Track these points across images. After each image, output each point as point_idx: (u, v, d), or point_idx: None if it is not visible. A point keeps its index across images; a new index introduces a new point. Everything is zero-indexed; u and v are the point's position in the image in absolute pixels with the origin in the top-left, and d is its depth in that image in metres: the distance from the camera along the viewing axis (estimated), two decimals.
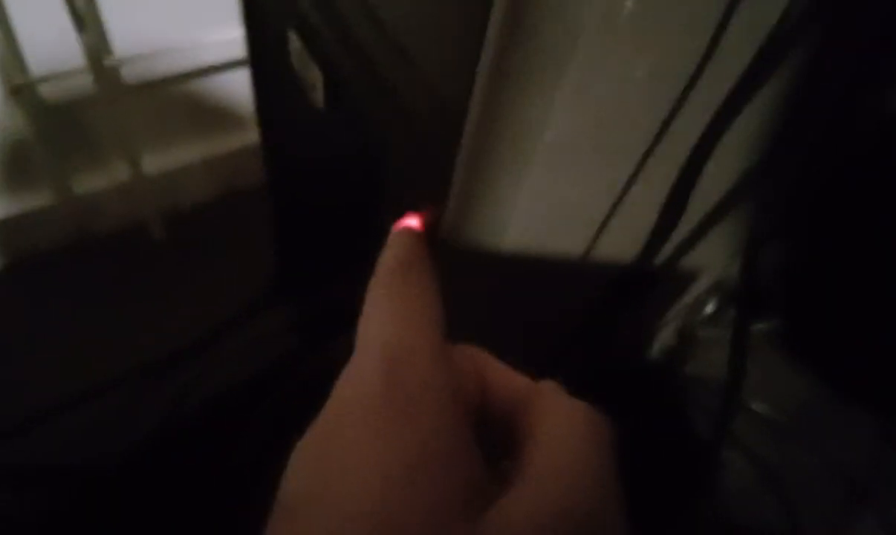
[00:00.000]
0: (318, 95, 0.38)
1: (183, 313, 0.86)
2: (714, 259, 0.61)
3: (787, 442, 0.73)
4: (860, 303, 0.69)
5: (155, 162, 0.87)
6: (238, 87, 0.87)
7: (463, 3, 0.22)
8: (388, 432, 0.17)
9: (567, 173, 0.28)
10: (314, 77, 0.38)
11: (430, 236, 0.29)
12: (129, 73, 0.75)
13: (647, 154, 0.31)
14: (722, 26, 0.24)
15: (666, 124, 0.29)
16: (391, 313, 0.21)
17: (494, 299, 0.37)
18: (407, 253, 0.25)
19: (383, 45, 0.30)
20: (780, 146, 0.41)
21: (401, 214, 0.33)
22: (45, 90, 0.71)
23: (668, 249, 0.47)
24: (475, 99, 0.22)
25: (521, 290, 0.38)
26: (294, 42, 0.39)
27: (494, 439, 0.20)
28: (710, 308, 0.69)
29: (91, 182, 0.84)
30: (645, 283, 0.50)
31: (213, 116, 0.89)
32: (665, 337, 0.81)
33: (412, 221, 0.30)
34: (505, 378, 0.21)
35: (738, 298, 0.46)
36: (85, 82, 0.70)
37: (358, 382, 0.19)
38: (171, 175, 0.89)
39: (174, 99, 0.83)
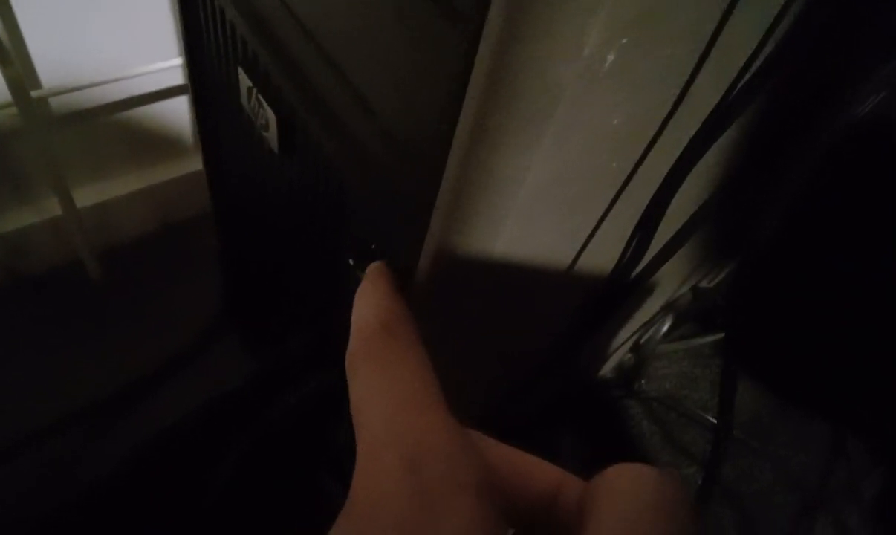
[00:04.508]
0: (272, 137, 0.37)
1: (125, 353, 0.82)
2: (669, 283, 0.62)
3: (741, 454, 0.75)
4: (808, 314, 0.71)
5: (88, 195, 0.82)
6: (175, 114, 0.83)
7: (436, 61, 0.21)
8: None
9: (542, 222, 0.27)
10: (267, 118, 0.36)
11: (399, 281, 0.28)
12: (59, 104, 0.71)
13: (616, 198, 0.30)
14: (693, 74, 0.24)
15: (635, 169, 0.29)
16: (392, 400, 0.19)
17: (463, 339, 0.36)
18: (387, 311, 0.23)
19: (342, 94, 0.28)
20: (733, 183, 0.42)
21: (362, 258, 0.32)
22: None
23: (626, 279, 0.47)
24: (453, 155, 0.21)
25: (493, 329, 0.38)
26: (244, 80, 0.37)
27: None
28: (665, 327, 0.70)
29: (19, 219, 0.79)
30: (608, 310, 0.50)
31: (149, 145, 0.85)
32: (620, 355, 0.82)
33: (380, 266, 0.28)
34: (525, 471, 0.20)
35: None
36: (9, 115, 0.66)
37: (379, 487, 0.17)
38: (106, 208, 0.85)
39: (107, 129, 0.79)
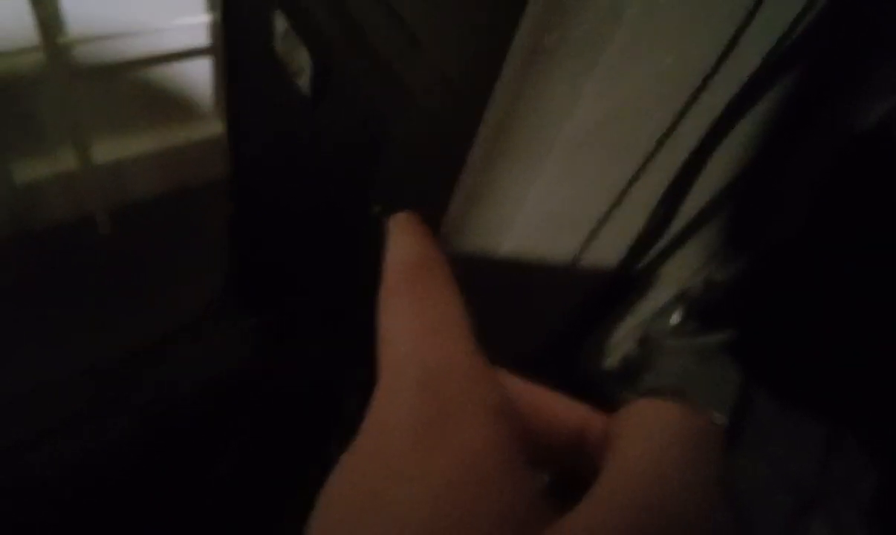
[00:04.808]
0: (305, 81, 0.37)
1: (130, 313, 0.82)
2: (681, 271, 0.62)
3: (739, 450, 0.75)
4: (807, 312, 0.71)
5: (104, 151, 0.82)
6: (197, 76, 0.83)
7: None
8: (427, 453, 0.16)
9: (576, 171, 0.27)
10: (302, 61, 0.36)
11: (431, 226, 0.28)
12: (83, 55, 0.71)
13: (651, 155, 0.30)
14: (748, 19, 0.24)
15: (674, 124, 0.29)
16: (419, 327, 0.20)
17: (482, 300, 0.36)
18: (420, 250, 0.23)
19: (387, 28, 0.28)
20: (752, 173, 0.42)
21: (389, 206, 0.31)
22: None
23: (644, 259, 0.47)
24: (501, 81, 0.21)
25: (510, 292, 0.38)
26: (280, 23, 0.37)
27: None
28: (675, 318, 0.70)
29: (34, 170, 0.78)
30: (622, 291, 0.50)
31: (169, 105, 0.85)
32: (626, 346, 0.81)
33: (409, 215, 0.28)
34: (551, 408, 0.20)
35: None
36: (34, 61, 0.66)
37: (394, 405, 0.18)
38: (122, 166, 0.85)
39: (128, 85, 0.79)
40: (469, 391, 0.17)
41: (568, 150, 0.25)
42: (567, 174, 0.27)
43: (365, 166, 0.35)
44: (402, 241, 0.25)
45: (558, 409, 0.20)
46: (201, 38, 0.79)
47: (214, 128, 0.88)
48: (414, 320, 0.20)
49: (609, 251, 0.41)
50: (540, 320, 0.48)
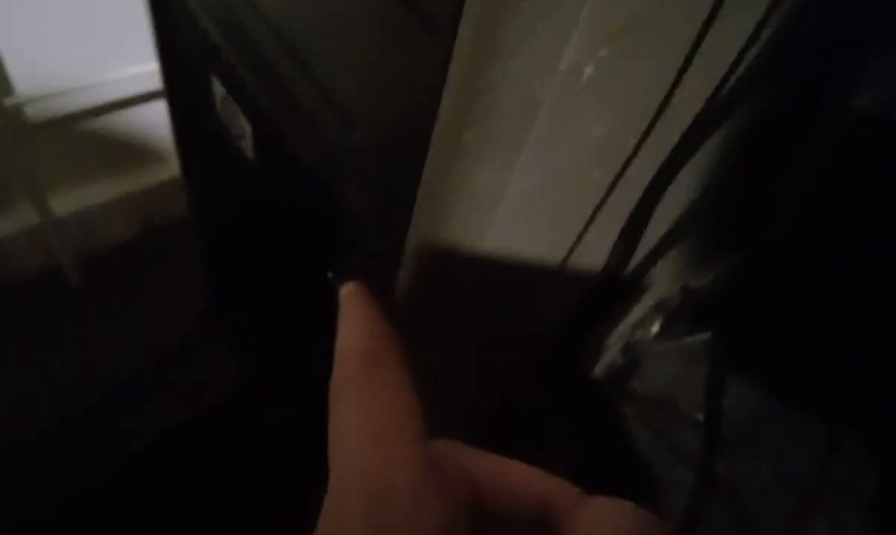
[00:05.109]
0: (247, 145, 0.36)
1: (108, 360, 0.81)
2: (660, 282, 0.62)
3: (736, 453, 0.74)
4: (805, 311, 0.71)
5: (67, 203, 0.81)
6: (153, 120, 0.82)
7: (412, 72, 0.20)
8: None
9: (523, 235, 0.26)
10: (242, 125, 0.35)
11: (383, 293, 0.27)
12: (35, 112, 0.70)
13: (599, 208, 0.30)
14: (675, 83, 0.24)
15: (618, 178, 0.28)
16: (364, 432, 0.19)
17: (447, 345, 0.35)
18: (368, 337, 0.22)
19: (318, 103, 0.28)
20: (725, 180, 0.42)
21: (341, 272, 0.31)
22: None
23: (622, 272, 0.46)
24: (429, 168, 0.21)
25: (477, 336, 0.37)
26: (218, 89, 0.36)
27: None
28: (655, 327, 0.69)
29: None
30: (595, 315, 0.50)
31: (128, 151, 0.83)
32: (611, 355, 0.81)
33: (361, 286, 0.27)
34: (512, 481, 0.20)
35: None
36: None
37: (339, 526, 0.18)
38: (85, 215, 0.83)
39: (84, 136, 0.77)
40: (415, 516, 0.17)
41: (507, 220, 0.24)
42: (512, 239, 0.26)
43: (313, 229, 0.35)
44: (352, 322, 0.24)
45: (522, 483, 0.20)
46: (154, 82, 0.77)
47: (174, 168, 0.86)
48: (360, 424, 0.20)
49: (574, 288, 0.40)
50: (513, 351, 0.48)
